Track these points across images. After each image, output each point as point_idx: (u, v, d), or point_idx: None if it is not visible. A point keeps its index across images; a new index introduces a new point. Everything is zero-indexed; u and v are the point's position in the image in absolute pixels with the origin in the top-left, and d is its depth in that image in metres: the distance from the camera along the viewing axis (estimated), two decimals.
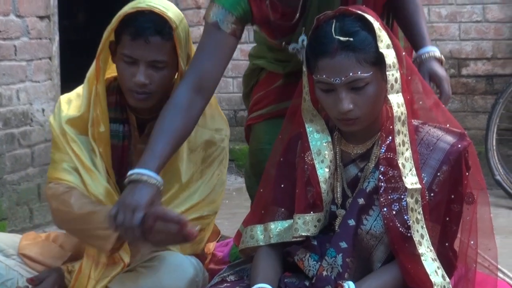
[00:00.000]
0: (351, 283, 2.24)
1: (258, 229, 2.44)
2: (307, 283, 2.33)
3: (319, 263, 2.31)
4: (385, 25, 2.39)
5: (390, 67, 2.27)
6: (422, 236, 2.26)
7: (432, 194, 2.30)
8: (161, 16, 2.59)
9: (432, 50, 2.70)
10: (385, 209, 2.27)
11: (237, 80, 6.35)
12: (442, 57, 2.73)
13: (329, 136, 2.41)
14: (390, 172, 2.28)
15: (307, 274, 2.34)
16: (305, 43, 2.57)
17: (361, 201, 2.32)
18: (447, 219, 2.33)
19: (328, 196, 2.36)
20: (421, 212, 2.28)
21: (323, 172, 2.36)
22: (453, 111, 5.83)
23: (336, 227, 2.35)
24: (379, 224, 2.30)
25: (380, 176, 2.29)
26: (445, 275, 2.28)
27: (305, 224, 2.35)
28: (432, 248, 2.28)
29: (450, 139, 2.33)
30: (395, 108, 2.28)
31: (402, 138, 2.29)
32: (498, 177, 5.52)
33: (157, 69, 2.61)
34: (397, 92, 2.29)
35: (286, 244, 2.40)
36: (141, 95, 2.62)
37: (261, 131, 2.90)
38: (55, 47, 4.98)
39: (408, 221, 2.26)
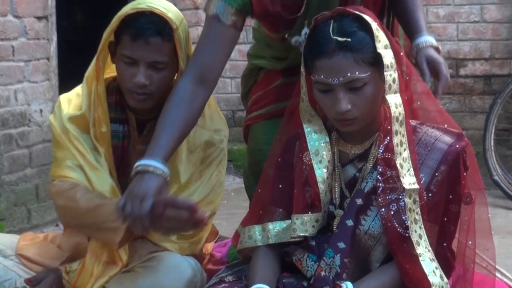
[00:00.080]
0: (349, 284, 2.24)
1: (256, 230, 2.44)
2: (305, 284, 2.33)
3: (317, 263, 2.31)
4: (383, 25, 2.39)
5: (388, 67, 2.27)
6: (420, 236, 2.27)
7: (430, 194, 2.30)
8: (161, 17, 2.59)
9: (429, 40, 2.68)
10: (383, 209, 2.28)
11: (235, 80, 6.36)
12: (439, 46, 2.71)
13: (327, 136, 2.41)
14: (388, 172, 2.29)
15: (305, 275, 2.34)
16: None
17: (359, 201, 2.32)
18: (445, 219, 2.33)
19: (326, 197, 2.36)
20: (419, 212, 2.28)
21: (321, 172, 2.36)
22: (451, 111, 5.84)
23: (334, 227, 2.35)
24: (377, 225, 2.30)
25: (378, 176, 2.29)
26: (443, 275, 2.28)
27: (303, 225, 2.35)
28: (430, 248, 2.28)
29: (448, 139, 2.33)
30: (393, 109, 2.28)
31: (400, 139, 2.29)
32: (496, 177, 5.53)
33: (157, 70, 2.61)
34: (395, 93, 2.29)
35: (284, 244, 2.40)
36: (141, 95, 2.63)
37: (259, 131, 2.90)
38: (53, 48, 4.98)
39: (406, 222, 2.26)
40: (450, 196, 2.33)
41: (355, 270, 2.31)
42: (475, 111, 6.15)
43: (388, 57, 2.28)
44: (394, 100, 2.29)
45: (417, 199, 2.27)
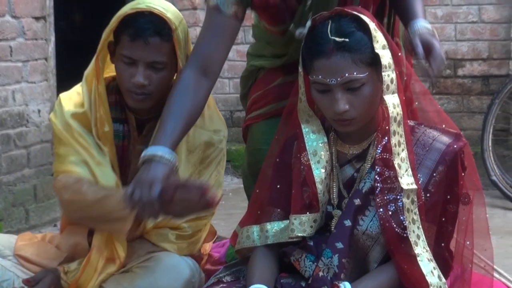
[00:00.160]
0: (347, 284, 2.24)
1: (255, 230, 2.44)
2: (303, 284, 2.33)
3: (315, 263, 2.32)
4: (381, 25, 2.39)
5: (385, 67, 2.27)
6: (418, 237, 2.27)
7: (428, 195, 2.30)
8: (160, 17, 2.59)
9: (424, 24, 2.60)
10: (381, 209, 2.28)
11: (233, 81, 6.36)
12: (435, 31, 2.66)
13: (325, 136, 2.41)
14: (386, 172, 2.29)
15: (303, 275, 2.34)
16: None
17: (357, 201, 2.32)
18: (443, 219, 2.34)
19: (324, 197, 2.36)
20: (417, 212, 2.28)
21: (319, 172, 2.36)
22: (449, 111, 5.84)
23: (332, 227, 2.35)
24: (375, 225, 2.30)
25: (376, 176, 2.29)
26: (441, 276, 2.28)
27: (301, 225, 2.35)
28: (428, 249, 2.28)
29: (446, 139, 2.34)
30: (390, 109, 2.28)
31: (398, 139, 2.29)
32: (494, 178, 5.53)
33: (156, 70, 2.61)
34: (393, 93, 2.30)
35: (282, 244, 2.40)
36: (140, 95, 2.63)
37: (259, 131, 2.90)
38: (51, 48, 4.98)
39: (404, 222, 2.26)
40: (448, 196, 2.33)
41: (353, 270, 2.31)
42: (473, 111, 6.16)
43: (386, 57, 2.28)
44: (392, 101, 2.29)
45: (415, 199, 2.27)
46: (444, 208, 2.33)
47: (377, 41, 2.27)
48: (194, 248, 2.80)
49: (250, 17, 2.99)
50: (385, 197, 2.28)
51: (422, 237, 2.27)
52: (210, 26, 2.59)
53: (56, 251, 2.81)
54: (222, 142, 2.80)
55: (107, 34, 2.65)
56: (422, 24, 2.59)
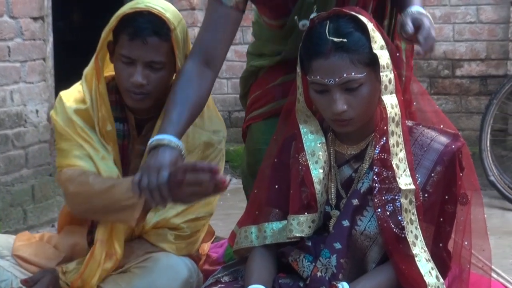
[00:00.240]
0: (345, 284, 2.24)
1: (253, 230, 2.44)
2: (301, 284, 2.33)
3: (313, 264, 2.32)
4: (379, 26, 2.39)
5: (384, 68, 2.27)
6: (416, 237, 2.27)
7: (426, 195, 2.30)
8: (159, 17, 2.59)
9: (418, 9, 2.53)
10: (379, 210, 2.28)
11: (231, 81, 6.35)
12: (428, 14, 2.61)
13: (323, 137, 2.41)
14: (384, 173, 2.29)
15: (301, 275, 2.34)
16: None
17: (355, 201, 2.32)
18: (441, 219, 2.34)
19: (322, 197, 2.36)
20: (415, 212, 2.28)
21: (317, 173, 2.36)
22: (447, 112, 5.85)
23: (330, 228, 2.35)
24: (373, 225, 2.30)
25: (374, 177, 2.30)
26: (439, 276, 2.28)
27: (299, 225, 2.35)
28: (426, 249, 2.28)
29: (444, 139, 2.34)
30: (389, 109, 2.28)
31: (396, 139, 2.29)
32: (492, 178, 5.53)
33: (154, 70, 2.61)
34: (391, 93, 2.30)
35: (280, 245, 2.40)
36: (138, 95, 2.63)
37: (259, 131, 2.89)
38: (49, 48, 4.98)
39: (402, 222, 2.26)
40: (446, 197, 2.33)
41: (351, 271, 2.31)
42: (471, 111, 6.16)
43: (384, 57, 2.28)
44: (390, 101, 2.29)
45: (413, 200, 2.28)
46: (442, 208, 2.33)
47: (375, 42, 2.27)
48: (192, 249, 2.80)
49: (248, 17, 2.99)
50: (383, 197, 2.28)
51: (420, 237, 2.27)
52: (211, 18, 2.58)
53: (54, 251, 2.81)
54: (221, 143, 2.80)
55: (106, 34, 2.66)
56: (415, 9, 2.56)
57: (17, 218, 4.72)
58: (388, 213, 2.27)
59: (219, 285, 2.45)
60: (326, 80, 2.25)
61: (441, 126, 2.39)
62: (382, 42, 2.29)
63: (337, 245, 2.30)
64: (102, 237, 2.63)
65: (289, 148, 2.45)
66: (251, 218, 2.48)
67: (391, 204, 2.27)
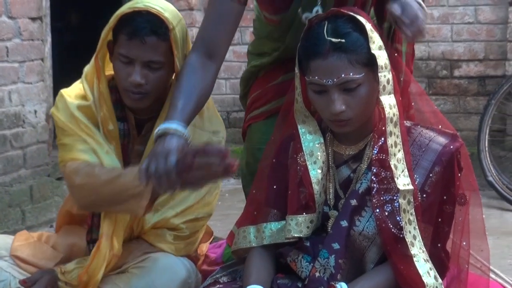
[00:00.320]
0: (343, 284, 2.24)
1: (251, 230, 2.44)
2: (299, 285, 2.33)
3: (311, 264, 2.32)
4: (377, 26, 2.39)
5: (382, 68, 2.27)
6: (414, 237, 2.27)
7: (424, 195, 2.30)
8: (157, 16, 2.59)
9: None
10: (377, 210, 2.28)
11: (230, 81, 6.35)
12: (423, 4, 2.59)
13: (321, 137, 2.41)
14: (382, 173, 2.29)
15: (299, 275, 2.34)
16: (319, 13, 2.54)
17: (353, 202, 2.32)
18: (440, 220, 2.34)
19: (321, 197, 2.36)
20: (414, 213, 2.28)
21: (315, 173, 2.36)
22: (445, 112, 5.85)
23: (329, 228, 2.35)
24: (371, 225, 2.30)
25: (372, 177, 2.30)
26: (438, 276, 2.28)
27: (298, 225, 2.35)
28: (424, 249, 2.28)
29: (442, 140, 2.34)
30: (387, 110, 2.28)
31: (394, 139, 2.29)
32: (490, 178, 5.54)
33: (153, 70, 2.61)
34: (389, 94, 2.30)
35: (278, 245, 2.40)
36: (137, 95, 2.62)
37: (259, 130, 2.89)
38: (47, 49, 4.98)
39: (400, 222, 2.26)
40: (445, 197, 2.33)
41: (350, 271, 2.31)
42: (469, 112, 6.17)
43: (382, 58, 2.28)
44: (388, 101, 2.29)
45: (412, 200, 2.28)
46: (440, 208, 2.33)
47: (374, 42, 2.27)
48: (191, 249, 2.80)
49: (247, 17, 2.99)
50: (382, 198, 2.28)
51: (419, 237, 2.27)
52: (213, 10, 2.59)
53: (52, 252, 2.81)
54: (221, 143, 2.80)
55: (106, 33, 2.66)
56: None
57: (15, 218, 4.72)
58: (386, 214, 2.27)
59: (218, 286, 2.45)
60: (324, 81, 2.25)
61: (440, 126, 2.39)
62: (380, 43, 2.30)
63: (336, 246, 2.30)
64: (107, 231, 2.62)
65: (288, 148, 2.45)
66: (249, 218, 2.48)
67: (390, 205, 2.27)
